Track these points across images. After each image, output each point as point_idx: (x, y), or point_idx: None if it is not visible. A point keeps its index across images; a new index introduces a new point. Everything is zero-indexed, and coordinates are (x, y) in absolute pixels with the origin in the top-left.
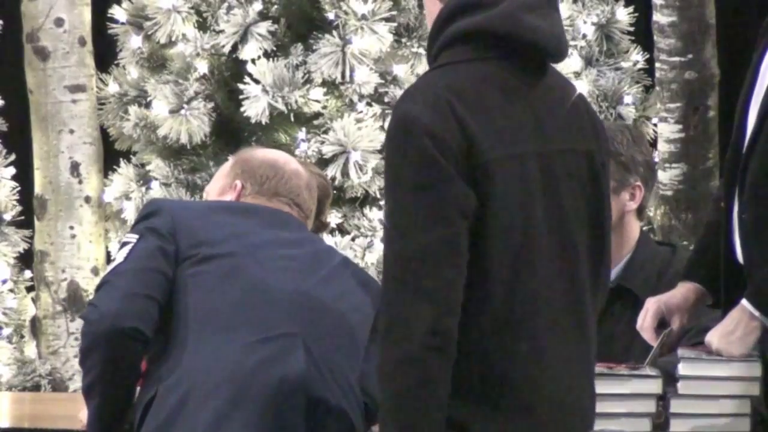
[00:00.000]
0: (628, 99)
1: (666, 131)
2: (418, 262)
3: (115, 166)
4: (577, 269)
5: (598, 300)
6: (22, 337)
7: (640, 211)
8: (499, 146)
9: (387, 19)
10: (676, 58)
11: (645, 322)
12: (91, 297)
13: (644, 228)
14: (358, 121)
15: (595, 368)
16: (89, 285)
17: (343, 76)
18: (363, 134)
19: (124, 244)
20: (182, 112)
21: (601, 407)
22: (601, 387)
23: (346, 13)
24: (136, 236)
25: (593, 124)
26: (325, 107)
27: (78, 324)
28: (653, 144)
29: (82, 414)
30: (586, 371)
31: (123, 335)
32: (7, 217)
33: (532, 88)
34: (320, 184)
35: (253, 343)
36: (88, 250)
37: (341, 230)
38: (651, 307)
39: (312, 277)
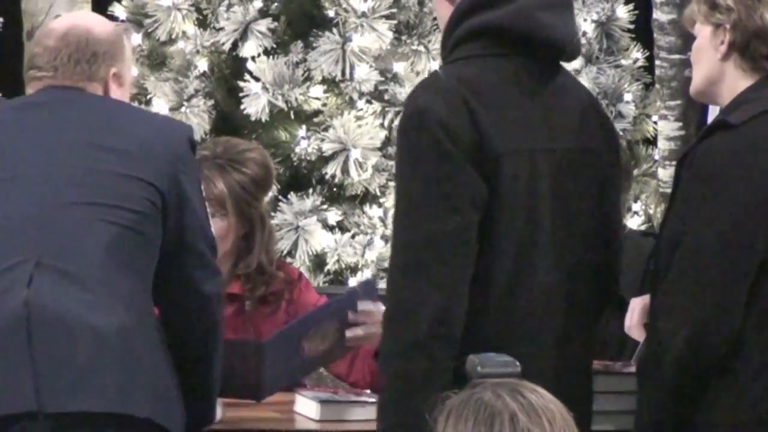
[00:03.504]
0: (628, 97)
1: (666, 129)
2: (427, 250)
3: None
4: (583, 268)
5: (601, 299)
6: None
7: None
8: (509, 141)
9: (387, 17)
10: (676, 56)
11: (633, 320)
12: None
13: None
14: (358, 118)
15: (591, 366)
16: None
17: (343, 73)
18: (363, 132)
19: None
20: (182, 109)
21: (597, 405)
22: (597, 385)
23: (346, 10)
24: None
25: (602, 124)
26: (325, 105)
27: None
28: (653, 142)
29: None
30: (582, 372)
31: None
32: None
33: (544, 85)
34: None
35: None
36: None
37: (341, 228)
38: (637, 306)
39: (60, 169)
